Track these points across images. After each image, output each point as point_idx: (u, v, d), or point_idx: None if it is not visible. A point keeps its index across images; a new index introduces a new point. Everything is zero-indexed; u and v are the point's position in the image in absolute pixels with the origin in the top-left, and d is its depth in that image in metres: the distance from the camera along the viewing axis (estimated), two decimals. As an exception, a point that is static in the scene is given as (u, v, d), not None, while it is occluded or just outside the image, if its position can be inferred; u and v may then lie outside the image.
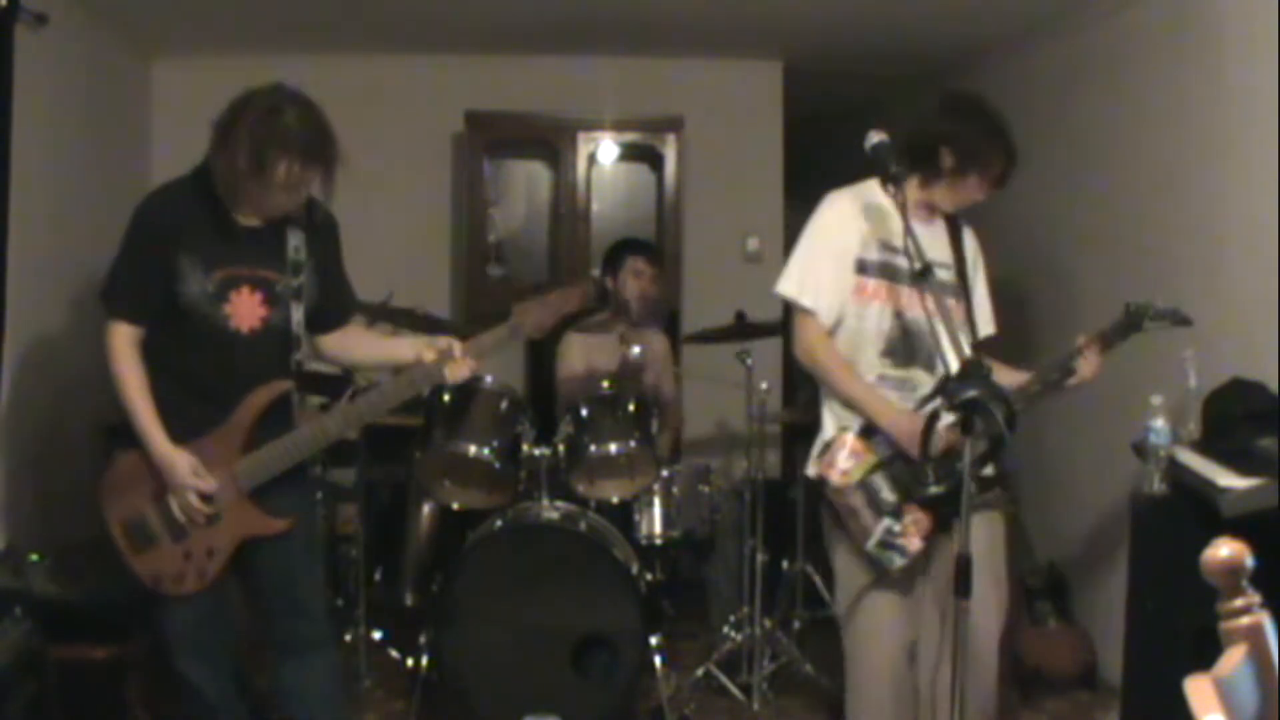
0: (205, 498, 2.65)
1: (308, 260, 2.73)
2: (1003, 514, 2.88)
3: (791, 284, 2.86)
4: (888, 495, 2.74)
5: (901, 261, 2.75)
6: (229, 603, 2.83)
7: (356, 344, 2.97)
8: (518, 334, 2.81)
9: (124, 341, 2.64)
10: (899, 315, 2.82)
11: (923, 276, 2.50)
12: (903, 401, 2.79)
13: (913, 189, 2.83)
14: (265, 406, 2.68)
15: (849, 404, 2.82)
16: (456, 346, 2.73)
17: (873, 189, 2.84)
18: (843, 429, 2.82)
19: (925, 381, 2.80)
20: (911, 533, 2.71)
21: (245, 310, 2.65)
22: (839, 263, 2.82)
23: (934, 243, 2.82)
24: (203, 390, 2.67)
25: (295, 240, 2.71)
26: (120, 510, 2.71)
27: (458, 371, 2.72)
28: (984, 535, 2.69)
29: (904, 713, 2.87)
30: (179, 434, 2.65)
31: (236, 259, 2.65)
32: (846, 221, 2.83)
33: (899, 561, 2.73)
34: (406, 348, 2.85)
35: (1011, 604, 2.97)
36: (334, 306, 2.87)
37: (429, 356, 2.73)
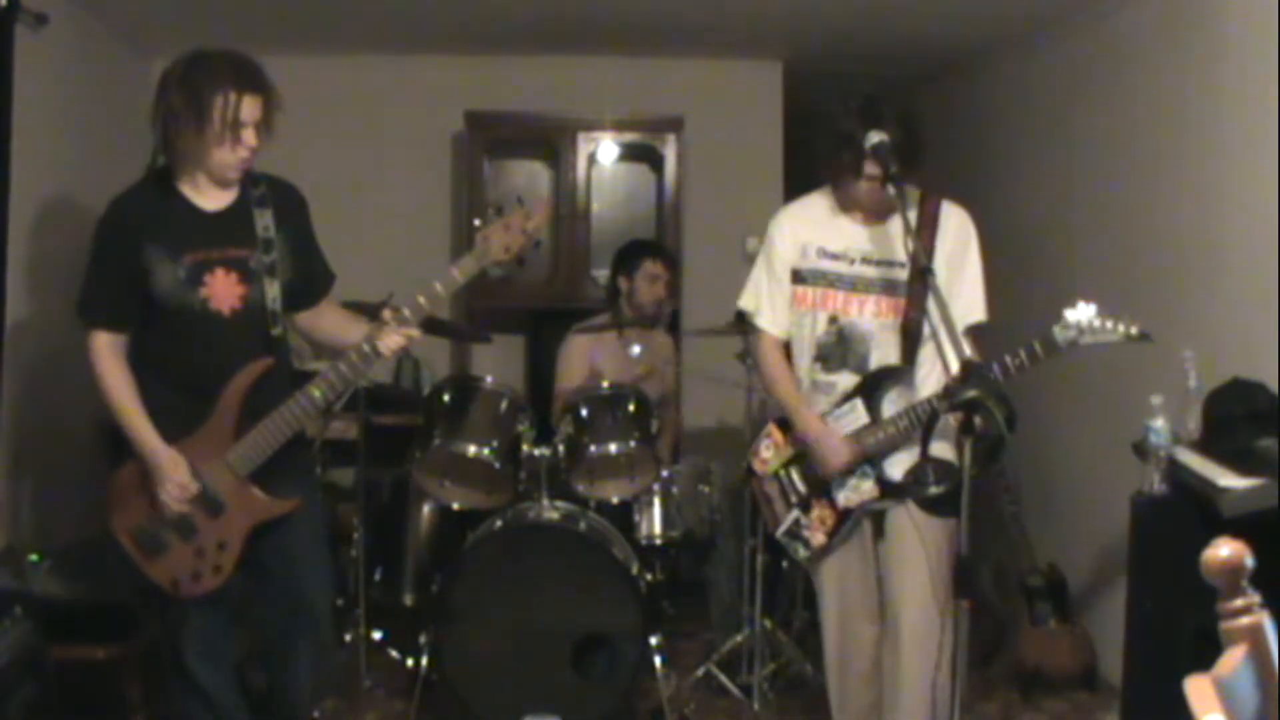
0: (204, 493, 2.64)
1: (278, 237, 2.70)
2: (951, 527, 2.73)
3: (747, 300, 3.05)
4: (799, 487, 2.94)
5: (842, 267, 2.87)
6: (236, 603, 2.82)
7: (323, 320, 2.91)
8: (485, 260, 2.68)
9: (106, 349, 2.64)
10: (834, 320, 2.90)
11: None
12: (827, 405, 2.90)
13: (832, 193, 2.92)
14: (249, 388, 2.65)
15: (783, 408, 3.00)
16: (401, 313, 2.63)
17: (818, 199, 2.96)
18: (772, 421, 3.05)
19: (850, 385, 2.89)
20: (816, 527, 2.91)
21: (223, 291, 2.62)
22: (780, 278, 2.96)
23: (885, 242, 2.85)
24: (193, 383, 2.65)
25: (263, 219, 2.69)
26: (127, 521, 2.70)
27: (389, 341, 2.60)
28: (910, 525, 2.83)
29: (858, 674, 2.99)
30: (173, 433, 2.64)
31: (205, 242, 2.63)
32: (785, 236, 2.96)
33: (803, 553, 2.95)
34: (356, 331, 2.76)
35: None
36: (310, 282, 2.84)
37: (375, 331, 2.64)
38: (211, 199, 2.67)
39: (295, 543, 2.77)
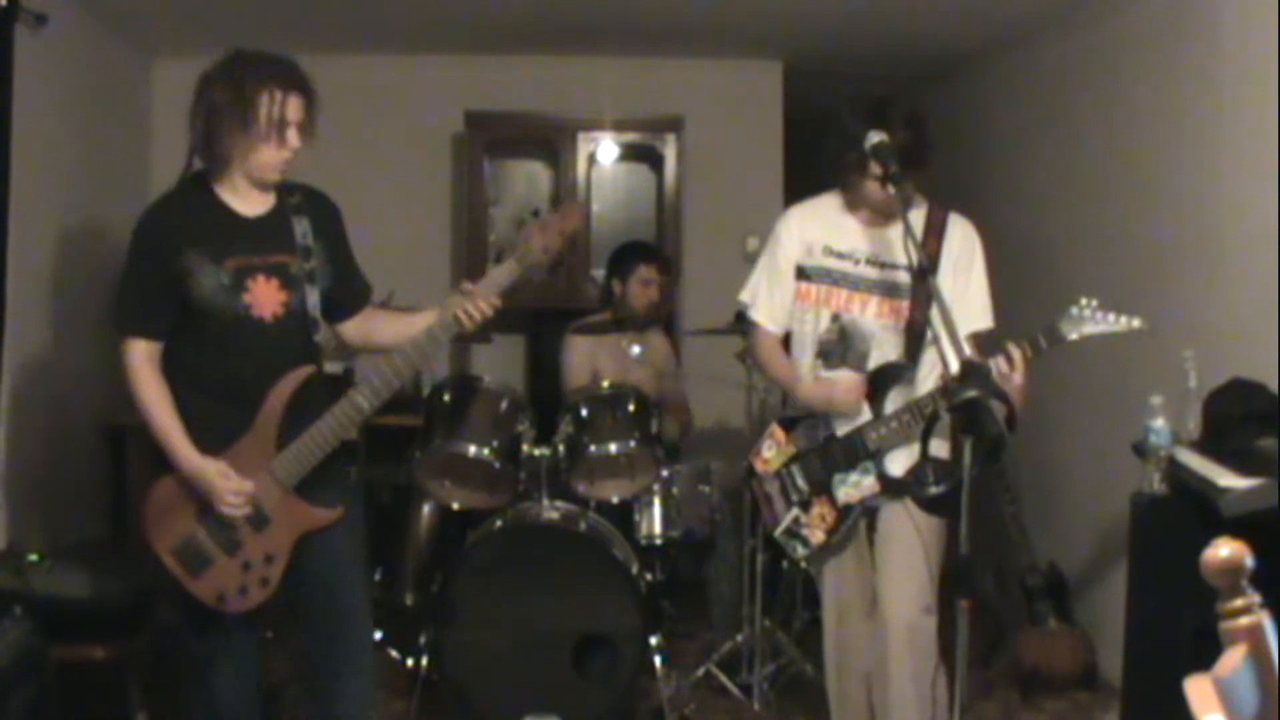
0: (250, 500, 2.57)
1: (316, 245, 2.65)
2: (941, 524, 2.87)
3: (746, 294, 3.09)
4: (801, 485, 2.94)
5: (847, 266, 2.91)
6: (270, 617, 2.78)
7: (379, 326, 2.85)
8: (527, 261, 2.65)
9: (141, 359, 2.55)
10: (836, 318, 2.93)
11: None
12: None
13: (842, 194, 2.95)
14: (291, 397, 2.58)
15: (783, 390, 3.06)
16: (467, 286, 2.65)
17: (828, 199, 2.99)
18: (773, 420, 3.06)
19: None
20: (815, 525, 2.92)
21: (265, 298, 2.56)
22: (782, 274, 2.99)
23: (891, 245, 2.86)
24: (233, 393, 2.57)
25: (301, 227, 2.64)
26: (168, 538, 2.60)
27: (473, 310, 2.61)
28: (904, 522, 2.85)
29: (856, 672, 3.01)
30: (213, 444, 2.56)
31: (246, 248, 2.57)
32: (792, 233, 3.00)
33: (801, 551, 2.96)
34: (420, 325, 2.71)
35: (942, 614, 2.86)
36: (349, 291, 2.79)
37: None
38: (250, 205, 2.62)
39: (334, 552, 2.69)
